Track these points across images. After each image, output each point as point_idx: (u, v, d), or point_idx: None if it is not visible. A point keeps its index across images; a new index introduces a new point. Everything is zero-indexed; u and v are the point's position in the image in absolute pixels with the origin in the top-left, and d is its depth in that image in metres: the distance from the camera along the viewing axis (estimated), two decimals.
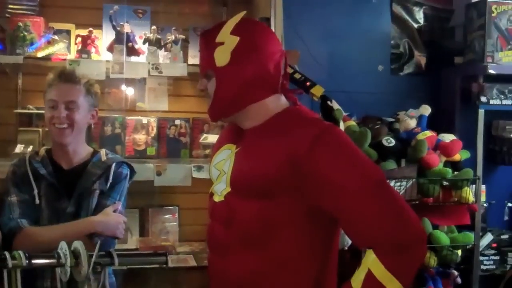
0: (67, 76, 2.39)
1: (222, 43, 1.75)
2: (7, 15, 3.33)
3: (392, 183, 3.25)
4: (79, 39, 3.30)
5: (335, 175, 1.62)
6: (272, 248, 1.72)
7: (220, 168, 1.85)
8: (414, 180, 3.28)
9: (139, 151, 3.51)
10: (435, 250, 3.35)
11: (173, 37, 3.34)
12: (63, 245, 1.82)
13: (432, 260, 3.33)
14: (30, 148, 3.20)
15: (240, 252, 1.75)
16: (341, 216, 1.65)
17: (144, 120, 3.53)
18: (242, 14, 1.79)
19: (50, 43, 3.25)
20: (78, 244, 1.81)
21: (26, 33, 3.19)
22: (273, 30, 3.13)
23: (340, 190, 1.61)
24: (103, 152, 2.51)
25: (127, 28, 3.32)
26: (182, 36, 3.36)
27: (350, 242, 3.05)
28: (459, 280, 3.47)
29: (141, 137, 3.51)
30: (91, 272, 1.79)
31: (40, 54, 3.21)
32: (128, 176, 2.52)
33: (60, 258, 1.79)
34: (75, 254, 1.79)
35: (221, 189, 1.82)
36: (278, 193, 1.69)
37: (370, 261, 1.58)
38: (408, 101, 3.80)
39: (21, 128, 3.35)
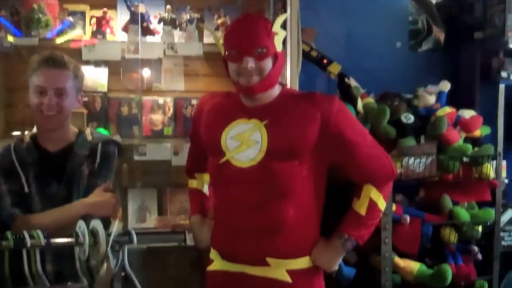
0: (55, 61, 2.31)
1: (276, 33, 2.15)
2: None
3: (411, 160, 3.23)
4: (94, 20, 3.28)
5: (350, 134, 2.16)
6: (300, 196, 2.15)
7: (243, 139, 2.15)
8: (433, 156, 3.25)
9: (156, 131, 3.50)
10: (456, 226, 3.32)
11: (188, 16, 3.31)
12: (81, 224, 1.83)
13: (452, 237, 3.30)
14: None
15: (275, 204, 2.12)
16: (352, 164, 2.20)
17: (161, 101, 3.52)
18: (286, 14, 2.45)
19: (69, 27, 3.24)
20: (96, 223, 1.82)
21: (41, 15, 3.17)
22: (289, 8, 3.10)
23: (354, 145, 2.16)
24: (88, 131, 2.47)
25: (141, 8, 3.30)
26: (197, 15, 3.33)
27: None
28: (479, 256, 3.43)
29: (158, 117, 3.50)
30: (110, 250, 1.80)
31: (60, 40, 3.20)
32: (116, 153, 2.48)
33: (79, 237, 1.80)
34: (93, 233, 1.80)
35: (251, 156, 2.13)
36: (307, 152, 2.13)
37: (372, 193, 2.21)
38: (427, 77, 3.73)
39: None
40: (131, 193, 3.58)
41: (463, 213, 3.31)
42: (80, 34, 3.25)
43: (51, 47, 3.19)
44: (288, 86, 3.09)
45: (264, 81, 2.13)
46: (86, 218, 2.16)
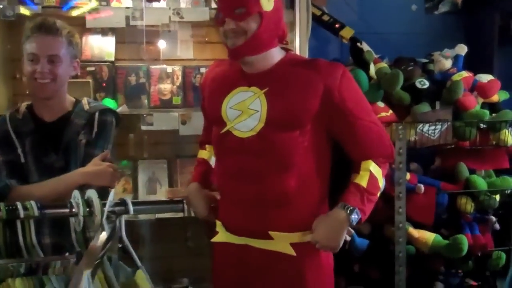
0: (48, 28, 2.25)
1: None
2: None
3: (426, 127, 3.13)
4: None
5: (353, 106, 2.05)
6: (302, 168, 2.05)
7: (243, 108, 2.07)
8: (449, 123, 3.14)
9: (164, 101, 3.43)
10: (472, 195, 3.23)
11: None
12: (76, 194, 1.78)
13: (468, 206, 3.21)
14: None
15: (276, 175, 2.04)
16: (352, 138, 2.09)
17: (169, 69, 3.45)
18: None
19: None
20: (91, 193, 1.77)
21: None
22: None
23: (355, 118, 2.06)
24: (85, 101, 2.42)
25: None
26: None
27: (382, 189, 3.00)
28: (497, 226, 3.35)
29: (166, 86, 3.43)
30: (105, 221, 1.75)
31: (76, 12, 3.11)
32: (114, 123, 2.43)
33: (73, 208, 1.75)
34: (88, 204, 1.75)
35: (251, 126, 2.05)
36: (308, 122, 2.03)
37: (372, 166, 2.10)
38: (444, 41, 3.61)
39: None
40: (141, 165, 3.54)
41: (480, 182, 3.21)
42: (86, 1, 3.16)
43: (55, 15, 3.12)
44: (297, 52, 3.00)
45: (248, 42, 2.00)
46: (84, 188, 2.14)
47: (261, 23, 2.00)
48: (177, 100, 3.44)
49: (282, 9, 2.13)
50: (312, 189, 2.12)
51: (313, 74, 2.03)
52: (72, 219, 1.80)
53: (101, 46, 3.44)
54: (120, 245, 1.80)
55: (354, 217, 2.03)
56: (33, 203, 1.73)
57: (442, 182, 3.24)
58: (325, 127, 2.08)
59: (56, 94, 2.33)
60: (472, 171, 3.28)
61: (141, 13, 3.09)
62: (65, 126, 2.33)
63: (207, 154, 2.44)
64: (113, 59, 3.44)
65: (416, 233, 3.18)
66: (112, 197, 1.78)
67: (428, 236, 3.18)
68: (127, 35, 3.40)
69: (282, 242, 2.09)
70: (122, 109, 3.23)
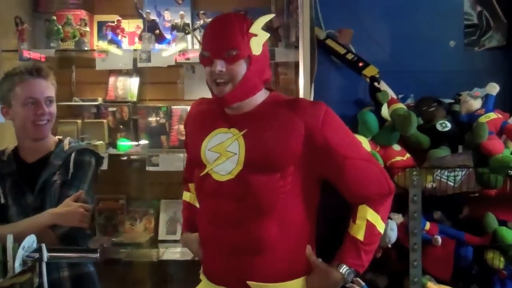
0: (41, 72, 2.36)
1: (255, 35, 1.99)
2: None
3: (445, 173, 2.86)
4: (109, 28, 3.28)
5: (339, 146, 1.98)
6: (283, 214, 1.98)
7: (221, 151, 2.01)
8: (470, 169, 2.86)
9: (182, 141, 3.42)
10: (502, 249, 2.90)
11: (201, 22, 3.20)
12: None
13: (496, 261, 2.88)
14: None
15: (255, 221, 1.96)
16: (343, 180, 2.01)
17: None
18: (272, 15, 2.13)
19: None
20: (8, 238, 1.76)
21: (59, 27, 3.23)
22: (301, 9, 2.89)
23: (343, 158, 1.98)
24: (66, 141, 2.46)
25: (167, 16, 3.27)
26: (210, 20, 3.20)
27: (393, 239, 2.84)
28: None
29: None
30: (20, 266, 1.73)
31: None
32: (93, 163, 2.45)
33: None
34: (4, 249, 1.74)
35: (229, 169, 1.98)
36: (289, 165, 1.96)
37: (368, 214, 2.02)
38: (485, 79, 3.26)
39: (61, 120, 3.40)
40: (163, 204, 3.55)
41: (509, 234, 2.87)
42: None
43: (68, 57, 3.24)
44: (301, 93, 2.88)
45: (237, 89, 1.97)
46: (55, 228, 2.23)
47: (249, 68, 1.98)
48: None
49: (268, 53, 2.11)
50: (295, 236, 2.03)
51: (293, 115, 1.97)
52: None
53: (126, 87, 3.51)
54: None
55: (350, 276, 2.02)
56: None
57: (467, 233, 2.94)
58: (313, 170, 2.02)
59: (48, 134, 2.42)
60: (501, 223, 2.95)
61: (148, 55, 3.13)
62: (44, 167, 2.39)
63: (191, 196, 2.39)
64: (135, 99, 3.50)
65: None
66: (28, 242, 1.76)
67: None
68: (152, 75, 3.44)
69: None
70: (133, 149, 3.27)
